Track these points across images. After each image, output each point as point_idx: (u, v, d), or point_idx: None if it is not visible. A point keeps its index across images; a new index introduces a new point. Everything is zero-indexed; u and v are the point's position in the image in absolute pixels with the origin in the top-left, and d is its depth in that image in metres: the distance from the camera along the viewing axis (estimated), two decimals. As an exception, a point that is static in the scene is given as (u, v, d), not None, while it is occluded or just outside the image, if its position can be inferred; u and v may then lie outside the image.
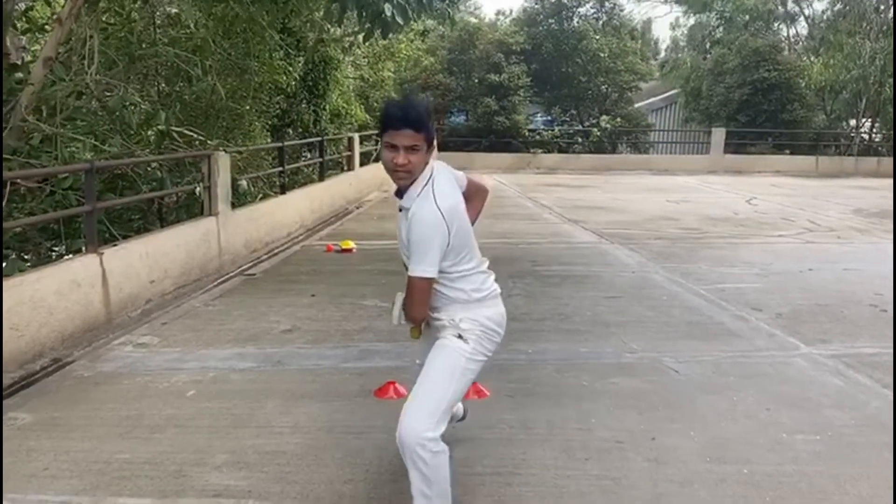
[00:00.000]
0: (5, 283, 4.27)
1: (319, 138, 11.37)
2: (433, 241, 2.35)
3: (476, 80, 22.06)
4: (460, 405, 3.17)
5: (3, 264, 4.92)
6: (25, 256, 5.94)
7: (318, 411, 3.72)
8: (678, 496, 2.92)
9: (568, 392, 4.03)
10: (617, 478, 3.06)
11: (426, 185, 2.42)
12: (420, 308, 2.45)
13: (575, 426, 3.57)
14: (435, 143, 2.49)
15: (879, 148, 23.35)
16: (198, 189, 6.62)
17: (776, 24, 25.77)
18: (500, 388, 4.01)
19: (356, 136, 13.12)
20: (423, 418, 2.38)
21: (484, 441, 3.38)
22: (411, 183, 2.42)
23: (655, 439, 3.43)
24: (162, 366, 4.39)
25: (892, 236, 9.72)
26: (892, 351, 4.77)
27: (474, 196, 2.73)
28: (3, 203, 5.21)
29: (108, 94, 6.25)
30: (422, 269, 2.37)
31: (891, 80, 20.86)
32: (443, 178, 2.50)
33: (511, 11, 28.07)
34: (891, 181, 18.48)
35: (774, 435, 3.51)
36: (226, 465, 3.14)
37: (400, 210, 2.50)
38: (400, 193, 2.48)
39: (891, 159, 21.85)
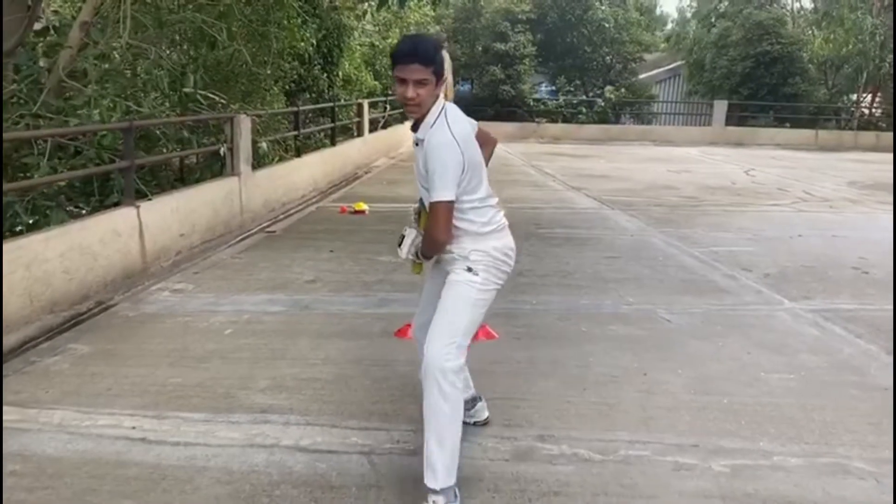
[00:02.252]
0: (56, 230, 4.68)
1: (332, 104, 11.69)
2: (449, 166, 2.45)
3: (481, 49, 22.24)
4: (485, 410, 3.26)
5: (50, 214, 5.29)
6: (47, 213, 6.30)
7: (345, 347, 4.15)
8: (665, 419, 3.35)
9: (569, 336, 4.45)
10: (612, 404, 3.49)
11: (439, 116, 2.53)
12: (445, 232, 2.52)
13: (575, 363, 4.00)
14: (447, 78, 2.59)
15: (879, 122, 23.59)
16: (222, 150, 6.99)
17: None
18: (508, 332, 4.43)
19: (365, 102, 13.43)
20: (442, 347, 2.52)
21: (495, 373, 3.80)
22: (424, 115, 2.54)
23: (647, 375, 3.86)
24: (199, 308, 4.81)
25: (882, 206, 10.11)
26: (869, 307, 5.21)
27: (484, 144, 2.80)
28: (45, 160, 5.59)
29: (138, 58, 6.58)
30: (442, 194, 2.46)
31: (891, 56, 21.05)
32: (455, 111, 2.61)
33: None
34: (888, 155, 18.79)
35: (753, 373, 3.93)
36: (268, 389, 3.57)
37: (416, 144, 2.60)
38: (416, 128, 2.60)
39: (890, 134, 22.14)
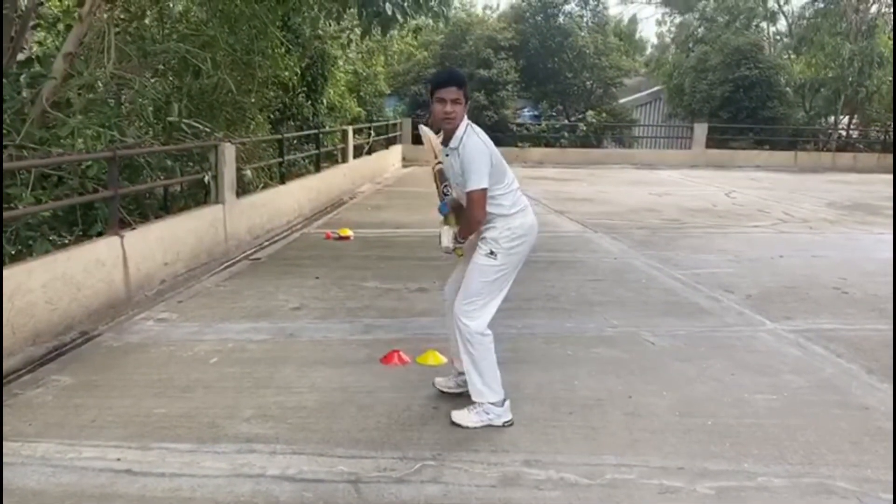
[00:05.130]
0: (39, 261, 4.66)
1: (316, 131, 11.75)
2: (482, 162, 3.28)
3: (466, 75, 22.47)
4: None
5: (33, 244, 5.26)
6: (31, 243, 6.27)
7: (331, 375, 4.15)
8: (650, 441, 3.37)
9: (554, 359, 4.48)
10: (597, 427, 3.51)
11: (466, 129, 3.36)
12: (481, 213, 3.33)
13: (561, 387, 4.02)
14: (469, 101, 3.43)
15: (857, 144, 24.04)
16: (207, 178, 7.01)
17: (756, 22, 26.32)
18: (493, 357, 4.44)
19: (350, 129, 13.50)
20: (464, 310, 3.38)
21: (481, 398, 3.81)
22: (454, 129, 3.34)
23: (632, 398, 3.88)
24: (183, 337, 4.79)
25: (861, 226, 10.27)
26: (849, 327, 5.28)
27: None
28: (29, 190, 5.57)
29: (122, 87, 6.61)
30: (477, 182, 3.27)
31: (868, 83, 21.52)
32: (477, 127, 3.44)
33: (498, 6, 28.52)
34: (866, 176, 19.12)
35: (737, 394, 3.97)
36: (253, 418, 3.55)
37: (447, 154, 3.43)
38: (446, 142, 3.41)
39: (867, 154, 22.55)
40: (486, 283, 3.39)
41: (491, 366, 3.44)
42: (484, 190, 3.28)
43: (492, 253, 3.38)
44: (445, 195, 3.59)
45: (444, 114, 3.31)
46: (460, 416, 3.47)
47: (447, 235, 3.50)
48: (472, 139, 3.32)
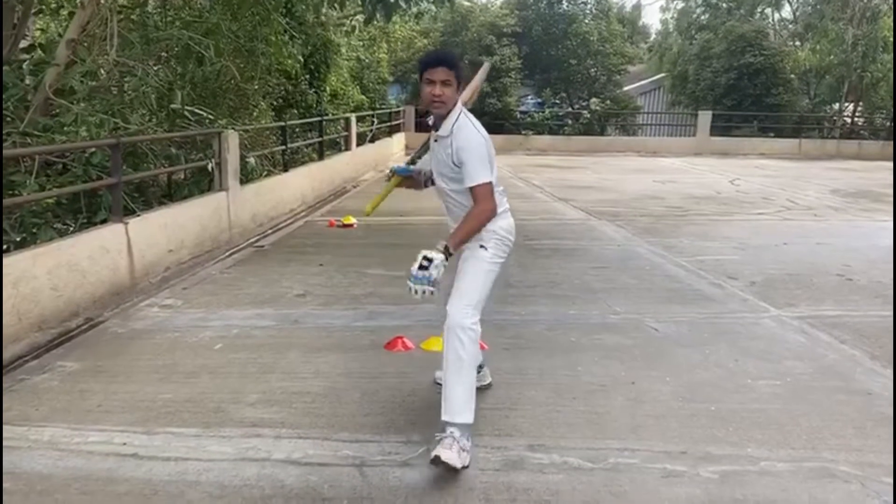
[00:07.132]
0: (44, 248, 4.67)
1: (319, 118, 11.75)
2: (484, 154, 2.98)
3: (468, 62, 22.38)
4: (488, 376, 3.78)
5: (37, 231, 5.28)
6: (35, 231, 6.29)
7: (335, 361, 4.16)
8: (653, 427, 3.38)
9: (558, 346, 4.48)
10: (600, 412, 3.52)
11: (460, 115, 3.02)
12: (493, 203, 3.01)
13: (564, 373, 4.03)
14: (462, 84, 3.04)
15: (861, 131, 23.93)
16: (210, 165, 7.01)
17: (760, 9, 26.16)
18: (496, 343, 4.44)
19: (353, 116, 13.49)
20: (462, 309, 3.00)
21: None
22: (446, 115, 3.00)
23: (635, 383, 3.89)
24: (188, 324, 4.81)
25: (865, 214, 10.24)
26: (853, 313, 5.28)
27: None
28: (33, 178, 5.58)
29: (125, 75, 6.61)
30: (483, 176, 2.95)
31: (873, 67, 21.40)
32: (471, 115, 3.09)
33: (503, -6, 28.37)
34: (870, 163, 19.04)
35: (740, 380, 3.97)
36: (259, 403, 3.57)
37: (436, 140, 3.09)
38: (436, 127, 3.07)
39: (872, 142, 22.45)
40: (481, 277, 3.05)
41: (473, 378, 3.02)
42: (490, 184, 2.95)
43: (482, 247, 3.08)
44: (413, 163, 3.39)
45: (432, 96, 2.94)
46: (451, 455, 2.84)
47: (439, 266, 2.84)
48: (468, 128, 2.97)
